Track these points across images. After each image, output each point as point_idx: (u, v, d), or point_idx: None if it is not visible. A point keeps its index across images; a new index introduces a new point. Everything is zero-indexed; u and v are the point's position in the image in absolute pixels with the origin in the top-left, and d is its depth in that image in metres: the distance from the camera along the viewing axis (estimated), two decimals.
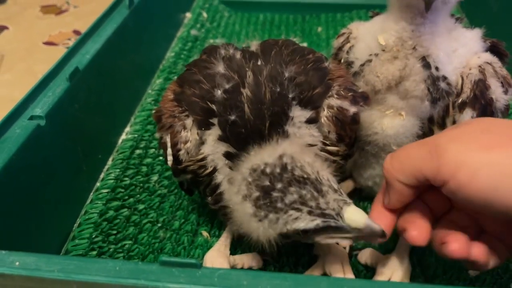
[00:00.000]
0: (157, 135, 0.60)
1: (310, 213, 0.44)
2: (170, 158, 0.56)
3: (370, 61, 0.58)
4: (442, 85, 0.56)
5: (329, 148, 0.53)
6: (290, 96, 0.51)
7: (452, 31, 0.57)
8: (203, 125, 0.53)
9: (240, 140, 0.50)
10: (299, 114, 0.52)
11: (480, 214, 0.47)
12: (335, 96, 0.54)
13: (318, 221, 0.44)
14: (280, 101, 0.51)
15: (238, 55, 0.57)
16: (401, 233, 0.49)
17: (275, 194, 0.44)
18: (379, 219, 0.49)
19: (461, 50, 0.57)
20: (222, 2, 1.31)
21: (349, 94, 0.55)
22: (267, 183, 0.45)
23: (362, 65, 0.59)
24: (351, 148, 0.59)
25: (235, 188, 0.49)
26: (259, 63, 0.55)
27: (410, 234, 0.46)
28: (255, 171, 0.46)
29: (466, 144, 0.42)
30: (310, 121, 0.52)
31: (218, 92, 0.53)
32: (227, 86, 0.53)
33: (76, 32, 1.29)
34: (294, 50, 0.57)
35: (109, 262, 0.40)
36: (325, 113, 0.54)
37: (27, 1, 1.45)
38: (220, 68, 0.55)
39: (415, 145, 0.47)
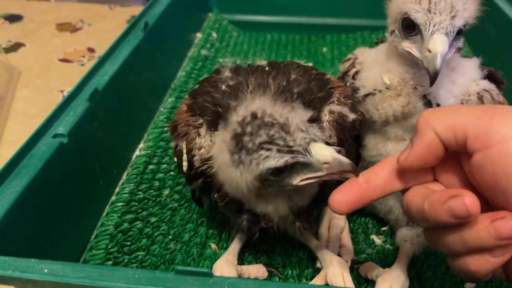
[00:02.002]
0: (172, 144, 0.63)
1: (279, 151, 0.46)
2: (185, 164, 0.59)
3: (373, 94, 0.61)
4: None
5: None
6: (295, 91, 0.55)
7: (451, 61, 0.60)
8: (213, 125, 0.57)
9: None
10: (302, 113, 0.54)
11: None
12: (336, 102, 0.59)
13: (287, 157, 0.46)
14: (285, 93, 0.54)
15: (244, 66, 0.63)
16: (440, 204, 0.41)
17: (246, 138, 0.47)
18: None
19: (460, 80, 0.60)
20: (231, 23, 1.36)
21: (349, 101, 0.59)
22: (239, 130, 0.48)
23: (366, 96, 0.62)
24: (356, 157, 0.62)
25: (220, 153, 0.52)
26: (266, 69, 0.61)
27: (467, 200, 0.39)
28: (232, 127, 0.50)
29: None
30: (312, 120, 0.54)
31: (223, 87, 0.58)
32: (231, 83, 0.58)
33: (90, 49, 1.33)
34: (298, 65, 0.63)
35: (128, 270, 0.44)
36: (326, 118, 0.57)
37: (43, 19, 1.50)
38: (227, 73, 0.61)
39: (468, 105, 0.44)
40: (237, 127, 0.48)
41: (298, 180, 0.50)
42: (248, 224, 0.58)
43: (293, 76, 0.58)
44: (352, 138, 0.60)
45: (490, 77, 0.63)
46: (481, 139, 0.39)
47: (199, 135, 0.58)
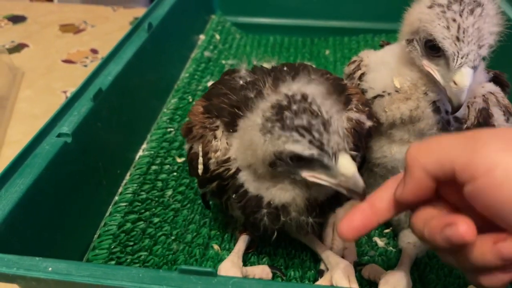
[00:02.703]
0: (186, 146, 0.63)
1: (310, 142, 0.47)
2: (200, 167, 0.59)
3: (382, 96, 0.61)
4: (453, 128, 0.59)
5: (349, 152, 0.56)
6: None
7: None
8: (230, 126, 0.57)
9: None
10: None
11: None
12: (354, 109, 0.59)
13: (314, 151, 0.47)
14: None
15: (259, 67, 0.64)
16: (437, 232, 0.42)
17: (288, 113, 0.47)
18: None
19: None
20: (234, 25, 1.37)
21: (366, 109, 0.60)
22: (285, 103, 0.48)
23: (374, 97, 0.62)
24: (362, 160, 0.62)
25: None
26: (284, 69, 0.61)
27: (461, 229, 0.39)
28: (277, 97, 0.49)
29: (508, 143, 0.38)
30: None
31: (240, 82, 0.58)
32: (248, 79, 0.59)
33: (93, 50, 1.33)
34: (314, 69, 0.63)
35: (132, 269, 0.44)
36: (344, 125, 0.57)
37: (47, 20, 1.50)
38: (243, 71, 0.61)
39: (448, 135, 0.43)
40: (283, 98, 0.48)
41: (309, 174, 0.50)
42: (269, 220, 0.57)
43: (313, 77, 0.58)
44: (366, 145, 0.61)
45: (495, 79, 0.63)
46: (468, 172, 0.39)
47: (215, 137, 0.58)
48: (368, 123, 0.59)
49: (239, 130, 0.55)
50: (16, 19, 1.50)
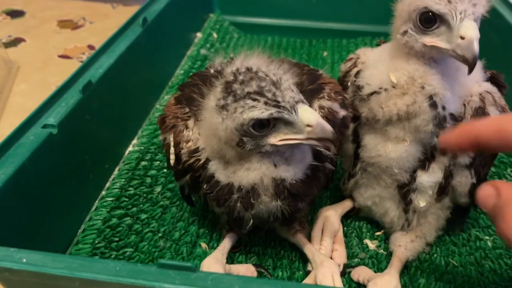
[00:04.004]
0: (161, 137, 0.62)
1: (266, 103, 0.47)
2: (172, 157, 0.59)
3: (379, 93, 0.60)
4: (448, 124, 0.58)
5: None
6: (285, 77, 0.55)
7: (456, 61, 0.58)
8: (200, 115, 0.56)
9: None
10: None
11: None
12: (326, 97, 0.58)
13: (272, 111, 0.47)
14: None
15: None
16: None
17: (236, 85, 0.47)
18: None
19: (463, 80, 0.59)
20: (232, 24, 1.36)
21: (339, 97, 0.59)
22: (231, 78, 0.48)
23: (371, 94, 0.61)
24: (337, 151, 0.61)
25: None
26: None
27: None
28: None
29: None
30: None
31: (211, 71, 0.59)
32: (219, 68, 0.59)
33: (90, 47, 1.33)
34: (292, 61, 0.63)
35: (110, 262, 0.42)
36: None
37: (45, 16, 1.50)
38: (217, 62, 0.62)
39: None
40: (229, 75, 0.49)
41: (277, 139, 0.50)
42: (241, 205, 0.55)
43: (286, 66, 0.58)
44: (342, 136, 0.59)
45: (492, 80, 0.62)
46: None
47: (187, 127, 0.58)
48: (342, 113, 0.59)
49: (202, 119, 0.55)
50: (15, 14, 1.50)
